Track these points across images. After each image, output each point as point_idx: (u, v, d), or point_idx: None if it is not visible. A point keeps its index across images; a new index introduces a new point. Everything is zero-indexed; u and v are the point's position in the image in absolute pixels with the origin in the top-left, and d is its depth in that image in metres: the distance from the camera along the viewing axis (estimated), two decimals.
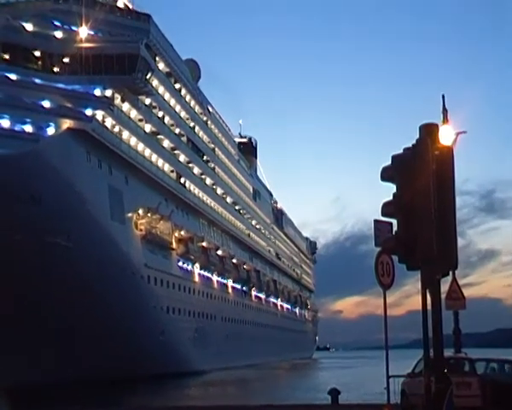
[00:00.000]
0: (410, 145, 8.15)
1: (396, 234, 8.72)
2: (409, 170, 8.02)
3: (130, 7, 73.19)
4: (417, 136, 8.08)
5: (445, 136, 7.93)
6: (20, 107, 50.39)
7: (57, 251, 45.95)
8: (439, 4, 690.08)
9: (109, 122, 57.30)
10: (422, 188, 7.74)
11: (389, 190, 8.65)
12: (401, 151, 8.31)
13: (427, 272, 8.22)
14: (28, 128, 49.13)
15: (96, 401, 34.36)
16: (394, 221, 9.07)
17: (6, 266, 42.49)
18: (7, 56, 54.34)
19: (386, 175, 8.53)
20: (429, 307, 9.20)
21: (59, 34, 58.55)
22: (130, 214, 59.34)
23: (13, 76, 53.05)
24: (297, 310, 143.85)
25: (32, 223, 44.17)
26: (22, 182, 43.70)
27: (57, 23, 59.88)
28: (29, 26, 57.42)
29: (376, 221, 13.74)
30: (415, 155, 8.01)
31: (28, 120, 49.52)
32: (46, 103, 52.03)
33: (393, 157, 8.40)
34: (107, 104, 57.04)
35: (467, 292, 19.60)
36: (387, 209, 8.63)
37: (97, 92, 56.30)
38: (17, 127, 49.01)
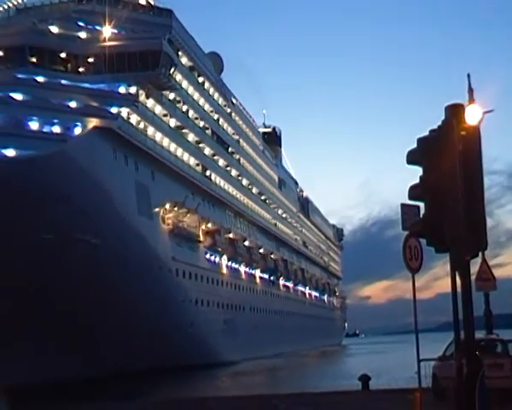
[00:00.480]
0: (436, 127, 8.02)
1: (423, 217, 8.59)
2: (435, 152, 7.89)
3: (152, 3, 73.60)
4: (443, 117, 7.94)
5: (472, 115, 7.72)
6: (48, 108, 50.65)
7: (86, 248, 46.14)
8: None
9: (134, 119, 57.48)
10: (449, 169, 7.61)
11: (415, 174, 8.53)
12: (427, 133, 8.18)
13: (456, 253, 8.07)
14: (56, 129, 49.32)
15: (128, 393, 34.51)
16: (421, 204, 8.94)
17: (38, 264, 42.74)
18: (34, 59, 54.76)
19: (412, 158, 8.40)
20: (459, 289, 9.07)
21: (83, 35, 59.01)
22: (157, 209, 59.46)
23: (40, 78, 53.55)
24: (325, 297, 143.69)
25: (61, 222, 44.28)
26: (51, 182, 43.87)
27: (81, 24, 60.49)
28: (54, 29, 58.00)
29: (403, 205, 13.62)
30: (440, 137, 7.87)
31: (56, 120, 49.72)
32: (73, 104, 52.32)
33: (419, 139, 8.27)
34: (131, 101, 57.26)
35: (497, 272, 19.44)
36: (414, 192, 8.50)
37: (122, 90, 56.60)
38: (45, 128, 49.17)
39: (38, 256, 42.87)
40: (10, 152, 45.01)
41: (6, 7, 63.21)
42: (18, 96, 51.13)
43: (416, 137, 8.39)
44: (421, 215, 9.54)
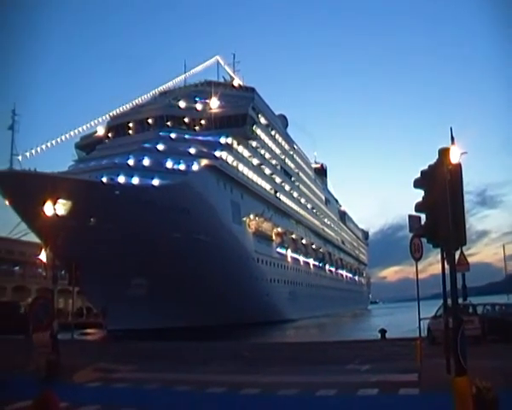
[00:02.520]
0: (433, 162, 8.05)
1: (425, 224, 8.59)
2: (432, 180, 7.91)
3: (241, 84, 74.75)
4: (437, 155, 7.97)
5: (454, 156, 7.75)
6: (177, 153, 51.88)
7: (200, 244, 46.68)
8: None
9: (230, 159, 58.16)
10: (441, 191, 7.62)
11: (418, 194, 8.57)
12: (426, 167, 8.22)
13: (446, 247, 8.09)
14: (181, 166, 50.43)
15: (230, 337, 34.75)
16: (422, 215, 8.95)
17: (168, 255, 43.46)
18: (169, 123, 56.60)
19: (417, 184, 8.45)
20: (446, 271, 9.00)
21: (198, 106, 60.46)
22: (244, 218, 59.69)
23: (173, 135, 55.16)
24: (356, 277, 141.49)
25: (184, 226, 44.99)
26: (179, 200, 44.72)
27: (197, 99, 62.05)
28: (181, 103, 59.91)
29: (410, 215, 13.56)
30: (435, 170, 7.90)
31: (181, 161, 50.94)
32: (192, 150, 53.40)
33: (422, 172, 8.33)
34: (228, 148, 58.06)
35: (470, 259, 19.20)
36: (418, 207, 8.54)
37: (222, 140, 57.44)
38: (175, 166, 50.40)
39: (172, 247, 43.73)
40: (155, 182, 46.36)
41: (154, 92, 65.44)
42: (160, 147, 52.74)
43: (419, 168, 8.47)
44: (422, 223, 9.53)
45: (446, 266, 10.00)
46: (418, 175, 8.40)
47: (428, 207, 8.13)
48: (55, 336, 19.16)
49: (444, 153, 7.96)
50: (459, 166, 7.99)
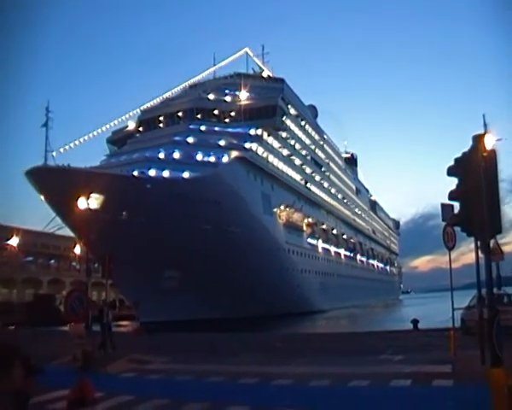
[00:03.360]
0: (467, 150, 7.87)
1: (459, 212, 8.42)
2: (466, 167, 7.75)
3: (271, 75, 74.60)
4: (471, 142, 7.80)
5: (489, 143, 7.58)
6: (207, 146, 52.08)
7: (231, 235, 46.83)
8: None
9: (260, 150, 58.14)
10: (476, 179, 7.46)
11: (448, 182, 8.40)
12: (460, 154, 8.04)
13: (481, 236, 7.92)
14: (212, 159, 50.57)
15: (261, 328, 34.87)
16: (455, 204, 8.77)
17: (199, 246, 43.71)
18: (199, 116, 56.92)
19: (451, 172, 8.26)
20: (480, 260, 8.82)
21: (228, 98, 60.66)
22: (275, 209, 59.59)
23: (202, 127, 55.46)
24: (387, 267, 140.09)
25: (215, 217, 45.17)
26: (209, 192, 44.94)
27: (226, 91, 62.28)
28: (211, 96, 60.22)
29: (443, 204, 13.36)
30: (470, 157, 7.73)
31: (211, 153, 51.12)
32: (222, 142, 53.55)
33: (456, 159, 8.15)
34: (258, 139, 58.06)
35: (504, 248, 18.66)
36: (452, 195, 8.35)
37: (252, 132, 57.44)
38: (205, 158, 50.62)
39: (203, 239, 43.99)
40: (186, 174, 46.65)
41: (184, 85, 65.94)
42: (190, 139, 53.12)
43: (451, 156, 8.29)
44: (455, 211, 9.36)
45: (480, 255, 9.82)
46: (451, 163, 8.23)
47: (463, 195, 7.96)
48: (109, 327, 19.59)
49: (478, 140, 7.80)
50: (494, 152, 7.81)
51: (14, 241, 63.43)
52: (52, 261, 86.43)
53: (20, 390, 2.82)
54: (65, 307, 11.87)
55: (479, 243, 9.31)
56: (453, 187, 8.35)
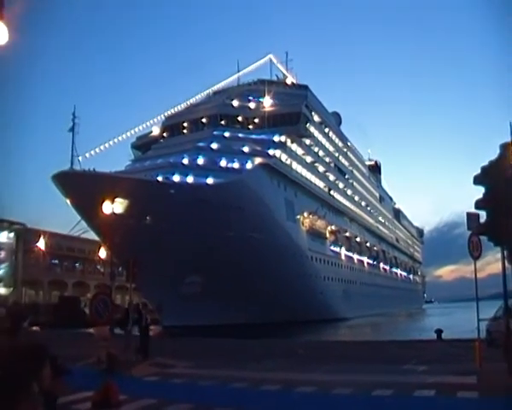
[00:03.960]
0: (494, 158, 7.80)
1: (486, 221, 8.35)
2: (494, 176, 7.67)
3: (295, 82, 74.66)
4: (498, 151, 7.73)
5: None
6: (231, 152, 52.23)
7: (254, 241, 46.76)
8: None
9: (284, 157, 58.14)
10: (503, 188, 7.37)
11: (473, 190, 8.33)
12: (486, 163, 7.97)
13: (509, 246, 7.82)
14: (235, 165, 50.68)
15: (284, 334, 34.78)
16: (481, 212, 8.68)
17: (222, 252, 43.78)
18: (223, 122, 57.24)
19: (478, 180, 8.22)
20: (506, 270, 8.70)
21: (252, 105, 60.79)
22: (298, 216, 59.43)
23: (226, 134, 55.71)
24: (411, 276, 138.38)
25: (238, 224, 45.16)
26: (233, 198, 45.02)
27: (250, 98, 62.43)
28: (235, 102, 60.43)
29: (468, 213, 13.10)
30: (497, 165, 7.65)
31: (235, 159, 51.23)
32: (245, 148, 53.66)
33: (482, 167, 8.10)
34: (282, 146, 58.07)
35: None
36: (479, 204, 8.33)
37: (276, 139, 57.46)
38: (229, 165, 50.77)
39: (226, 245, 43.98)
40: (209, 180, 46.86)
41: (208, 91, 66.50)
42: (214, 145, 53.36)
43: (475, 165, 8.23)
44: (480, 221, 9.25)
45: (507, 265, 9.67)
46: (477, 171, 8.17)
47: (490, 204, 7.91)
48: (147, 329, 19.50)
49: (506, 148, 7.74)
50: None
51: (41, 243, 64.54)
52: (77, 264, 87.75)
53: (48, 391, 2.88)
54: (90, 310, 12.05)
55: (505, 252, 9.16)
56: (479, 196, 8.29)
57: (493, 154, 7.82)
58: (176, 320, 40.59)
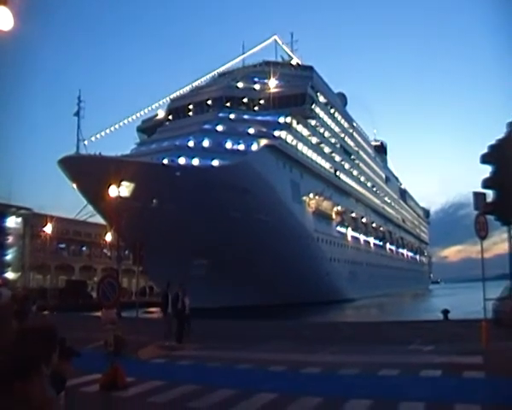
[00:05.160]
0: (501, 136, 7.68)
1: (493, 201, 8.26)
2: (502, 154, 7.56)
3: (300, 63, 74.06)
4: (505, 129, 7.61)
5: None
6: (236, 134, 52.17)
7: (260, 223, 46.92)
8: None
9: (289, 138, 57.92)
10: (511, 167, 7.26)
11: (479, 170, 8.23)
12: (494, 141, 7.86)
13: None
14: (241, 147, 50.67)
15: (290, 316, 34.90)
16: (488, 192, 8.59)
17: (228, 234, 43.98)
18: (228, 104, 57.05)
19: (485, 159, 8.12)
20: None
21: (257, 86, 60.50)
22: (304, 198, 59.41)
23: (232, 115, 55.51)
24: (417, 256, 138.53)
25: (244, 205, 45.28)
26: (238, 180, 44.99)
27: (255, 79, 62.12)
28: (240, 84, 60.21)
29: (475, 193, 12.98)
30: (505, 143, 7.54)
31: (240, 141, 51.20)
32: (251, 130, 53.55)
33: (490, 146, 8.00)
34: (287, 127, 57.83)
35: None
36: (487, 183, 8.23)
37: (281, 120, 57.21)
38: (235, 147, 50.72)
39: (232, 227, 44.18)
40: (215, 162, 46.91)
41: (213, 74, 66.14)
42: (219, 128, 53.26)
43: (482, 144, 8.11)
44: (487, 200, 9.16)
45: None
46: (484, 150, 8.06)
47: (497, 182, 7.82)
48: (183, 314, 18.68)
49: None
50: None
51: (48, 228, 64.89)
52: (84, 248, 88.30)
53: (57, 372, 2.89)
54: (97, 293, 12.10)
55: None
56: (486, 175, 8.18)
57: (501, 132, 7.69)
58: None
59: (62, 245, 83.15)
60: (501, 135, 7.68)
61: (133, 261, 20.61)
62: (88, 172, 39.12)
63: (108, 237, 61.89)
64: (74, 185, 43.31)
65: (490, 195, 8.90)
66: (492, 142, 7.94)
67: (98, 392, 10.18)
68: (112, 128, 51.84)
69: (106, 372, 10.58)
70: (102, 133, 50.25)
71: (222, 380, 11.17)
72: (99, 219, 49.67)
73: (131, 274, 71.82)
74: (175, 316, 18.46)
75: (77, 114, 41.99)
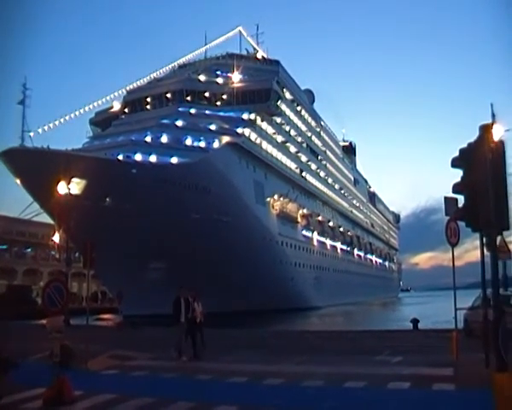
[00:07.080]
0: (473, 140, 7.86)
1: (463, 206, 8.43)
2: (472, 159, 7.75)
3: (265, 56, 74.34)
4: (477, 132, 7.79)
5: (497, 133, 7.55)
6: (197, 130, 52.03)
7: (220, 224, 46.89)
8: None
9: (253, 136, 58.13)
10: (482, 172, 7.46)
11: (452, 174, 8.42)
12: (466, 145, 8.04)
13: (487, 232, 7.93)
14: (202, 144, 50.60)
15: (252, 324, 34.90)
16: (460, 197, 8.78)
17: (187, 235, 43.80)
18: (188, 98, 56.77)
19: (455, 163, 8.28)
20: (485, 258, 8.86)
21: (219, 80, 60.46)
22: (268, 199, 59.75)
23: (192, 110, 55.35)
24: (386, 263, 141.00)
25: (204, 206, 45.26)
26: (198, 178, 44.99)
27: (218, 72, 62.13)
28: (201, 77, 60.05)
29: (446, 198, 13.27)
30: (476, 148, 7.73)
31: (201, 138, 51.11)
32: (212, 126, 53.52)
33: (460, 150, 8.16)
34: (251, 124, 58.05)
35: (510, 246, 18.46)
36: (457, 188, 8.38)
37: (245, 116, 57.36)
38: (195, 143, 50.58)
39: (191, 228, 44.04)
40: (174, 159, 46.67)
41: (173, 65, 65.64)
42: (179, 123, 52.96)
43: (456, 147, 8.28)
44: (459, 205, 9.37)
45: (486, 252, 9.84)
46: (456, 154, 8.24)
47: (468, 187, 7.98)
48: (193, 323, 17.27)
49: (485, 129, 7.79)
50: (502, 144, 7.81)
51: None
52: (28, 250, 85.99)
53: None
54: (42, 298, 11.72)
55: (484, 239, 9.30)
56: (458, 179, 8.37)
57: (474, 136, 7.89)
58: (137, 309, 40.30)
59: (3, 246, 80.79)
60: (473, 138, 7.87)
61: (83, 264, 20.18)
62: (34, 166, 38.12)
63: (56, 238, 60.50)
64: (18, 181, 42.15)
65: (462, 200, 9.13)
66: (463, 146, 8.10)
67: (41, 408, 9.87)
68: (62, 120, 50.71)
69: (50, 386, 10.27)
70: (51, 125, 49.08)
71: (178, 392, 11.05)
72: (46, 219, 48.56)
73: (82, 278, 70.54)
74: (187, 326, 17.32)
75: (22, 102, 40.80)
